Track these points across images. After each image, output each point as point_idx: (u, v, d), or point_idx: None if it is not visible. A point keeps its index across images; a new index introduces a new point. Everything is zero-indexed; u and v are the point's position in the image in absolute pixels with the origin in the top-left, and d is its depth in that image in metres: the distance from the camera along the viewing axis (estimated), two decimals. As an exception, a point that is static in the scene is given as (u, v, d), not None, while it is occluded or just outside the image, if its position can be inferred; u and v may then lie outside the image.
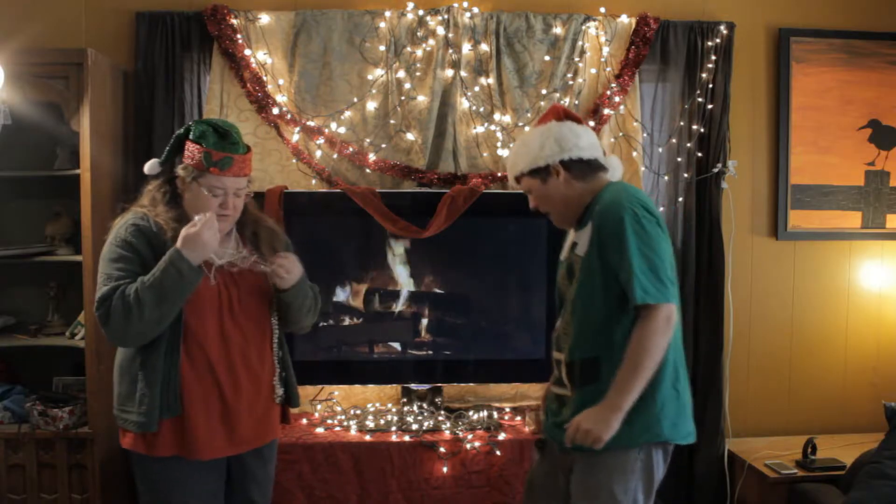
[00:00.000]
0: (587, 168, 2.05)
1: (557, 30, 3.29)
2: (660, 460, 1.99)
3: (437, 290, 3.38)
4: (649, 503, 2.00)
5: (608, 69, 3.34)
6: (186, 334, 2.04)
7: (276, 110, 3.20)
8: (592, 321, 1.98)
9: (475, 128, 3.30)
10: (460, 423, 3.11)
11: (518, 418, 3.24)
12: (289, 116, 3.22)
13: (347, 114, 3.26)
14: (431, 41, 3.26)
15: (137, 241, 2.02)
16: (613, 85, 3.31)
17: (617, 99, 3.30)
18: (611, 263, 1.94)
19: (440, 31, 3.24)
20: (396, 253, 3.31)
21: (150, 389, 2.01)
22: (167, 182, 2.12)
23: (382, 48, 3.25)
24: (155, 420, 2.00)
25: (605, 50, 3.33)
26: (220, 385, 2.06)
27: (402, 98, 3.26)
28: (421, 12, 3.25)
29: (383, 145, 3.28)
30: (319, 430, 3.08)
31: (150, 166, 2.17)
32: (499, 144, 3.29)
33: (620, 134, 3.35)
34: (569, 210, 2.08)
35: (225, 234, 2.14)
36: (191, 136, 2.06)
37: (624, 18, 3.34)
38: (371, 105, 3.26)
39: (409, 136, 3.28)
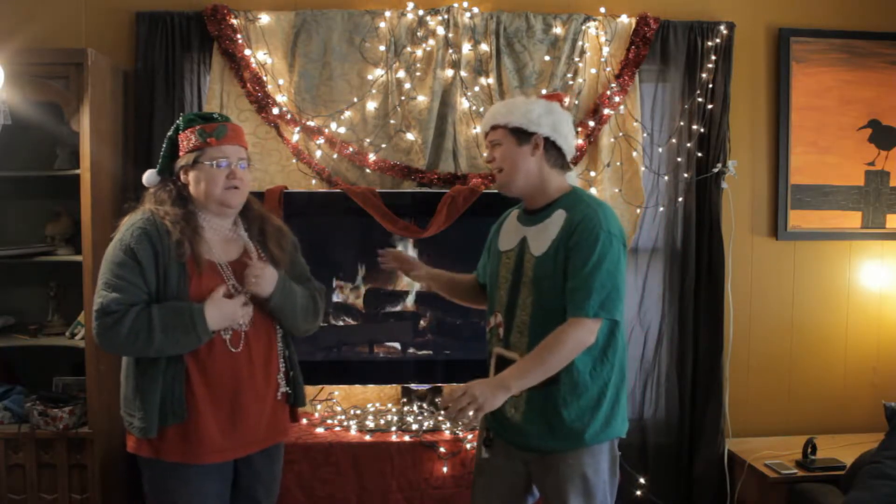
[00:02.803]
0: (560, 160, 2.12)
1: (557, 30, 3.29)
2: (616, 447, 2.15)
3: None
4: (614, 487, 2.14)
5: (608, 69, 3.34)
6: None
7: (276, 110, 3.20)
8: (554, 325, 2.00)
9: (475, 128, 3.30)
10: (460, 423, 3.11)
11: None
12: (289, 116, 3.22)
13: (347, 114, 3.26)
14: (431, 41, 3.26)
15: (141, 247, 1.99)
16: (613, 85, 3.31)
17: (617, 99, 3.30)
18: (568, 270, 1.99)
19: (440, 31, 3.24)
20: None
21: (150, 396, 1.99)
22: (170, 182, 2.12)
23: (382, 48, 3.25)
24: (154, 427, 1.99)
25: (605, 50, 3.33)
26: (226, 388, 2.04)
27: (402, 98, 3.26)
28: (421, 12, 3.25)
29: (383, 145, 3.28)
30: (319, 430, 3.08)
31: (147, 177, 2.17)
32: (499, 144, 3.29)
33: (620, 134, 3.35)
34: (521, 182, 2.09)
35: (231, 229, 2.16)
36: (180, 130, 2.10)
37: (624, 18, 3.34)
38: (371, 105, 3.26)
39: (409, 136, 3.28)
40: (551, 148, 2.09)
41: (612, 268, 1.97)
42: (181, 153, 2.09)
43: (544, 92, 3.27)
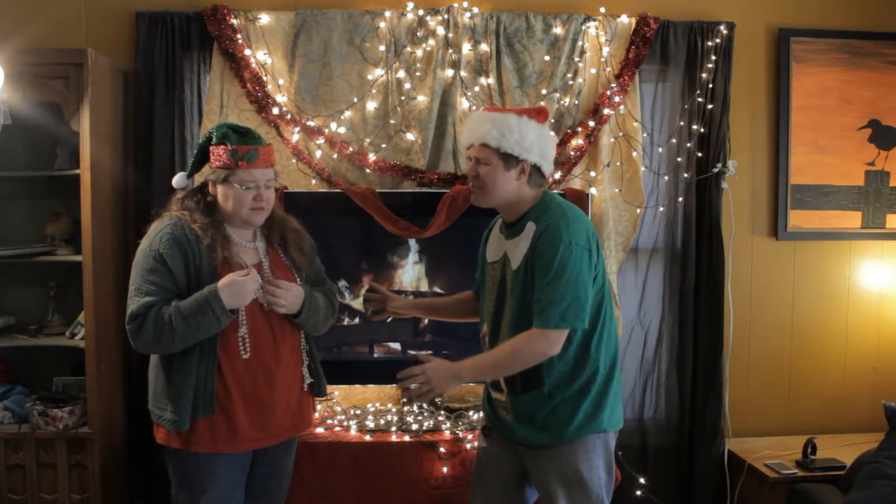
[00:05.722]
0: (540, 181, 2.15)
1: (557, 30, 3.29)
2: (612, 442, 2.18)
3: (438, 290, 3.38)
4: (610, 482, 2.16)
5: (608, 69, 3.34)
6: (224, 334, 2.08)
7: (276, 110, 3.20)
8: None
9: (475, 128, 3.29)
10: (460, 423, 3.11)
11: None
12: (289, 116, 3.22)
13: (347, 114, 3.25)
14: (431, 41, 3.25)
15: (172, 252, 2.06)
16: (613, 85, 3.31)
17: (617, 99, 3.30)
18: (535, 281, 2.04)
19: (440, 31, 3.24)
20: (396, 253, 3.31)
21: (183, 391, 2.06)
22: (197, 191, 2.20)
23: (382, 48, 3.24)
24: (187, 419, 2.06)
25: (605, 50, 3.33)
26: (256, 381, 2.12)
27: (402, 98, 3.26)
28: (421, 12, 3.25)
29: (383, 145, 3.28)
30: (319, 430, 3.08)
31: (178, 180, 2.25)
32: (499, 144, 3.29)
33: (620, 134, 3.35)
34: (498, 200, 2.13)
35: (252, 237, 2.23)
36: (213, 141, 2.14)
37: (624, 18, 3.34)
38: (371, 105, 3.26)
39: (409, 136, 3.28)
40: (535, 172, 2.12)
41: (573, 278, 1.99)
42: (211, 164, 2.15)
43: (544, 92, 3.27)
